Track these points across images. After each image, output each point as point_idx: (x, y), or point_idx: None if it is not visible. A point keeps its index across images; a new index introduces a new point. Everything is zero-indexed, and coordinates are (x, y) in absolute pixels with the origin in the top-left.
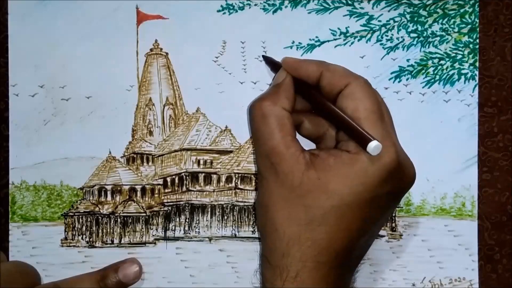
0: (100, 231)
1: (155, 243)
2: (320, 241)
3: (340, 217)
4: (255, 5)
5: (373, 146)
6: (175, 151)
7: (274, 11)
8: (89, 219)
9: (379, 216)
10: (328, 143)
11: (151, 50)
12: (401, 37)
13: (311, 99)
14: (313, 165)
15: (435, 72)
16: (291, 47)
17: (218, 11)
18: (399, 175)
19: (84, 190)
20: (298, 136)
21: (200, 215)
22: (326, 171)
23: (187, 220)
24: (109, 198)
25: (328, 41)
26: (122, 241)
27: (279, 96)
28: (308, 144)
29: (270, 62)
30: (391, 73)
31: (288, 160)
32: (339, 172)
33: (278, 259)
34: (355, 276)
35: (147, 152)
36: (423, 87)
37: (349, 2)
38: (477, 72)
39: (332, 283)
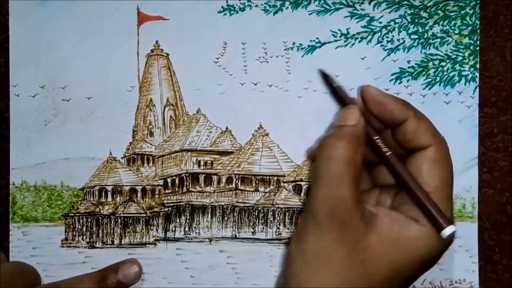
0: (100, 231)
1: (155, 244)
2: None
3: (392, 285)
4: (256, 6)
5: (449, 232)
6: (176, 152)
7: (275, 12)
8: (89, 220)
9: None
10: (380, 179)
11: (151, 51)
12: (402, 38)
13: (380, 152)
14: (373, 227)
15: (436, 73)
16: (291, 48)
17: (219, 12)
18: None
19: (84, 191)
20: None
21: (200, 216)
22: (390, 240)
23: (187, 221)
24: (109, 198)
25: (329, 42)
26: (123, 242)
27: (358, 145)
28: None
29: (337, 94)
30: (392, 74)
31: (355, 219)
32: (405, 245)
33: None
34: None
35: (147, 153)
36: (423, 89)
37: (350, 4)
38: (477, 74)
39: None
